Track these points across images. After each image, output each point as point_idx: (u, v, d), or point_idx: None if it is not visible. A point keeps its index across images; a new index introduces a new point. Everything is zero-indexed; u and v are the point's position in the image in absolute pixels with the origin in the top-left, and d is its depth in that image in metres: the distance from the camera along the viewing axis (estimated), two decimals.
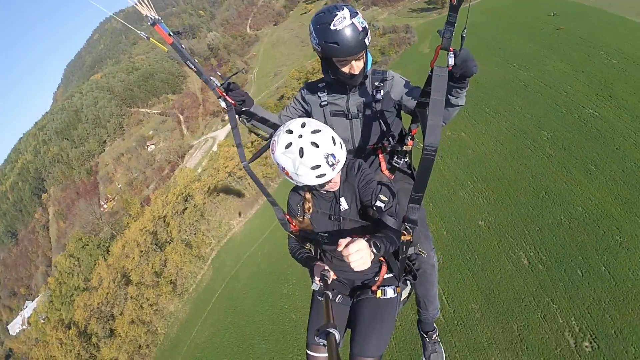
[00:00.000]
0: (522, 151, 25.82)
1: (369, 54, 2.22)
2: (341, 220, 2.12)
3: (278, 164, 1.85)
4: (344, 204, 2.09)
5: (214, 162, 46.74)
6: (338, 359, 1.12)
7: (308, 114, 2.55)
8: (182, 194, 38.95)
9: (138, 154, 78.50)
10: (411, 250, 2.24)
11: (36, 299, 59.13)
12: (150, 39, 2.17)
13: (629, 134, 24.50)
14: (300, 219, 2.22)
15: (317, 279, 1.97)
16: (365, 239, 1.64)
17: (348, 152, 2.17)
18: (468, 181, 26.37)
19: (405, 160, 2.56)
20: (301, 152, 1.77)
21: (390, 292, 2.17)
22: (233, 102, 2.24)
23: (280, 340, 25.90)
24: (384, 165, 2.53)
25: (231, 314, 32.72)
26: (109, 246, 45.16)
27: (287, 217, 2.28)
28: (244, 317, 30.82)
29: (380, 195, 2.00)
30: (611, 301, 17.19)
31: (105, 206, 70.55)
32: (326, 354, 2.09)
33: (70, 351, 33.57)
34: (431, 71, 1.76)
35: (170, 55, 2.18)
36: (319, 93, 2.44)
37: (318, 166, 1.78)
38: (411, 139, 2.41)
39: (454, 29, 1.64)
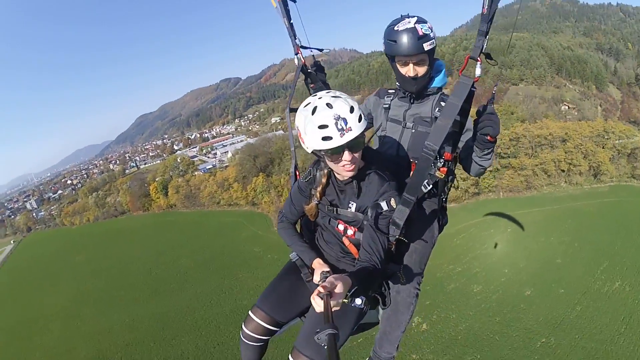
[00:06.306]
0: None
1: (442, 74, 2.41)
2: (336, 213, 2.15)
3: (296, 125, 1.88)
4: (352, 207, 2.09)
5: None
6: (337, 359, 1.11)
7: (370, 116, 2.77)
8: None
9: (551, 107, 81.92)
10: (394, 268, 2.21)
11: None
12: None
13: None
14: (307, 203, 2.26)
15: (320, 281, 1.85)
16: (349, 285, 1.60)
17: (393, 158, 2.44)
18: None
19: (434, 189, 2.35)
20: (313, 111, 1.75)
21: (358, 301, 1.91)
22: (304, 60, 2.79)
23: None
24: None
25: None
26: None
27: (297, 173, 2.73)
28: None
29: (391, 200, 1.96)
30: None
31: None
32: (262, 322, 2.26)
33: None
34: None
35: (277, 10, 2.68)
36: (386, 97, 2.66)
37: (325, 126, 1.73)
38: (443, 165, 2.14)
39: (485, 39, 1.63)
